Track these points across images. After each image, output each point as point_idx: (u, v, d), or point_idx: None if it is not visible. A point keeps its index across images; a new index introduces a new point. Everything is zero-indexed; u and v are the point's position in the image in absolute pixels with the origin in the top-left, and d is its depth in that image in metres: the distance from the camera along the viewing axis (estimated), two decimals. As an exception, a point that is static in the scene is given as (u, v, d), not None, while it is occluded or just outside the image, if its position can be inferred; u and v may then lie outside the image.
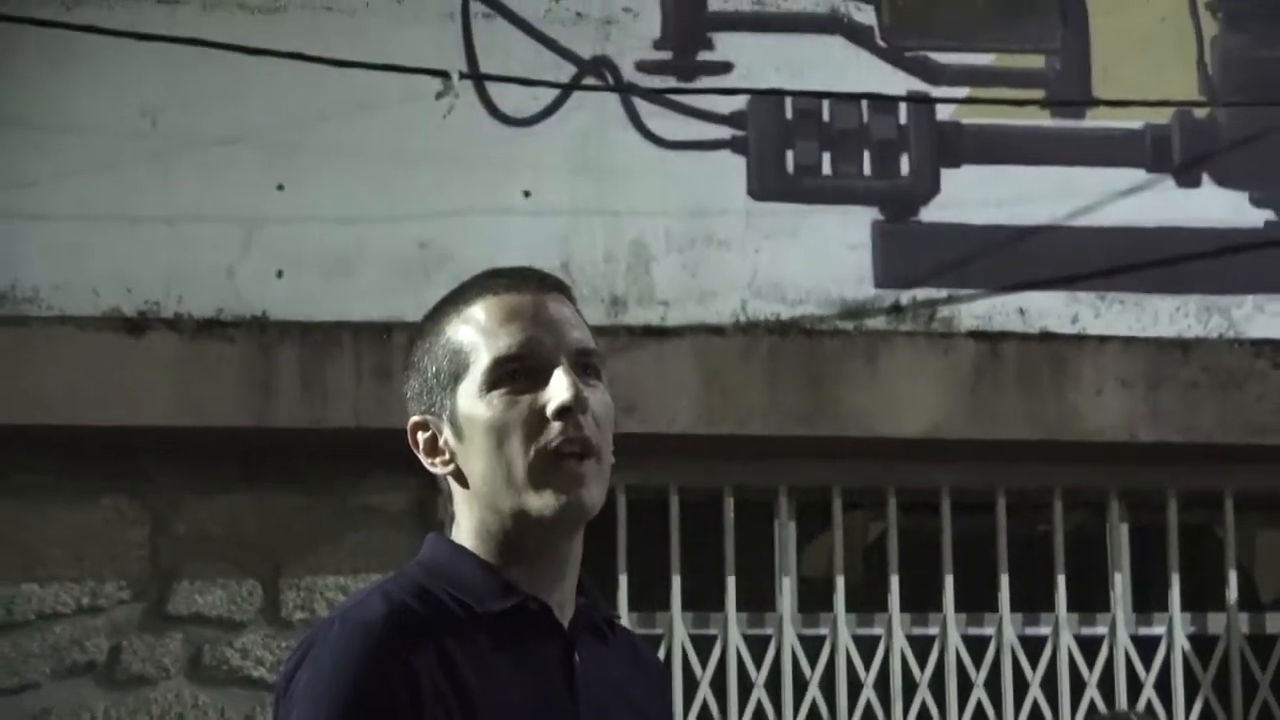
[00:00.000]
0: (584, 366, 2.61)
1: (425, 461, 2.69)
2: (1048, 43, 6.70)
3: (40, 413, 6.05)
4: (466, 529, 2.65)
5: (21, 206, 6.23)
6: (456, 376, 2.63)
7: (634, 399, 6.03)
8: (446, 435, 2.64)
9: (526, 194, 6.40)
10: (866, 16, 6.64)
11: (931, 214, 6.55)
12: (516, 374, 2.59)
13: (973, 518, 6.53)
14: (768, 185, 6.50)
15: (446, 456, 2.65)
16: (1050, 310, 6.50)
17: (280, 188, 6.31)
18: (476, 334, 2.63)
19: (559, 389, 2.58)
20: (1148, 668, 6.48)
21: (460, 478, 2.65)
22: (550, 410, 2.57)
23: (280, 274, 6.28)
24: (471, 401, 2.61)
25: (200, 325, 6.19)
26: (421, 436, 2.68)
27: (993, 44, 6.69)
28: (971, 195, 6.54)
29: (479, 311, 2.64)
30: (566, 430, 2.57)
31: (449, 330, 2.66)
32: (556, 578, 2.61)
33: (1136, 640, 6.52)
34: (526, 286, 2.65)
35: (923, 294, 6.49)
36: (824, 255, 6.48)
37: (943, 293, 6.50)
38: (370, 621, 2.47)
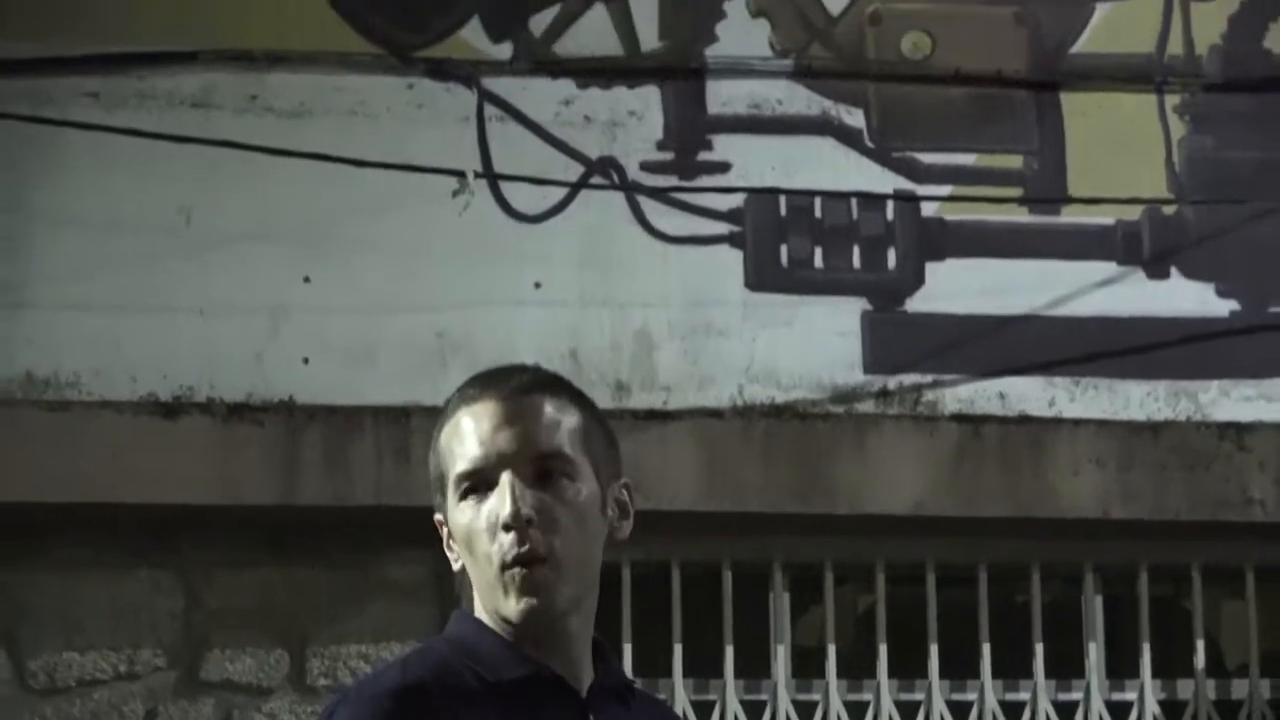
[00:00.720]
0: (545, 471, 2.64)
1: (448, 553, 2.75)
2: (1025, 144, 6.76)
3: (82, 491, 6.08)
4: (481, 610, 2.71)
5: (63, 297, 6.28)
6: (443, 482, 2.70)
7: (638, 478, 5.86)
8: (451, 537, 2.72)
9: (537, 285, 6.45)
10: (856, 120, 6.70)
11: (917, 304, 6.60)
12: (477, 486, 2.64)
13: (956, 590, 6.52)
14: (763, 277, 6.54)
15: (454, 552, 2.72)
16: (1028, 395, 6.52)
17: (306, 280, 6.38)
18: (453, 443, 2.68)
19: (499, 504, 2.62)
20: (1122, 731, 6.56)
21: (467, 574, 2.72)
22: (498, 525, 2.62)
23: (306, 361, 6.32)
24: (453, 508, 2.68)
25: (231, 409, 6.24)
26: (442, 530, 2.74)
27: (974, 145, 6.76)
28: (954, 287, 6.60)
29: (455, 422, 2.69)
30: (515, 543, 2.62)
31: (440, 437, 2.71)
32: (566, 652, 2.65)
33: (1110, 705, 6.50)
34: (499, 393, 2.68)
35: (909, 379, 6.50)
36: (816, 343, 6.52)
37: (928, 378, 6.53)
38: (380, 694, 2.52)
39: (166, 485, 6.12)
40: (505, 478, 2.61)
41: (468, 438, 2.64)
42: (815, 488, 6.36)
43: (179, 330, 6.30)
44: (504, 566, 2.60)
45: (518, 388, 2.65)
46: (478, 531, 2.62)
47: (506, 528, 2.59)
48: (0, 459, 6.09)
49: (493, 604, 2.64)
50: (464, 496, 2.63)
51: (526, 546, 2.59)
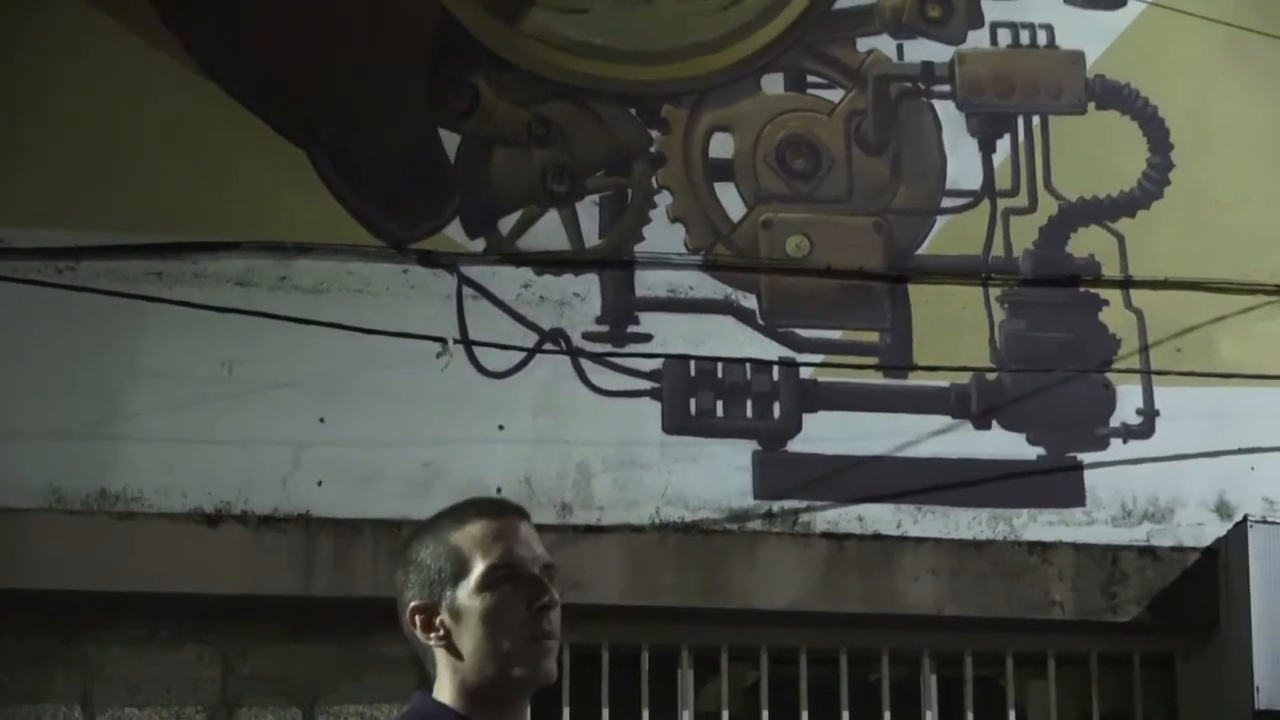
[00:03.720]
0: (550, 575, 2.75)
1: (420, 635, 2.75)
2: (880, 323, 6.78)
3: (142, 583, 6.19)
4: (447, 687, 2.72)
5: (130, 431, 6.38)
6: (456, 576, 2.71)
7: (577, 578, 6.10)
8: (444, 617, 2.72)
9: (501, 427, 6.52)
10: (750, 303, 6.74)
11: (796, 446, 6.65)
12: (506, 578, 2.70)
13: (823, 670, 6.53)
14: (677, 424, 6.61)
15: (441, 633, 2.72)
16: (881, 518, 6.58)
17: (322, 420, 6.46)
18: (473, 545, 2.72)
19: (543, 592, 2.72)
20: (952, 793, 6.44)
21: (451, 649, 2.72)
22: (536, 607, 2.70)
23: (320, 483, 6.41)
24: (469, 595, 2.70)
25: (261, 520, 6.33)
26: (419, 618, 2.74)
27: (841, 324, 6.78)
28: (825, 433, 6.65)
29: (474, 529, 2.73)
30: (543, 623, 2.71)
31: (451, 540, 2.74)
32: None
33: (944, 765, 6.48)
34: (506, 514, 2.78)
35: (789, 504, 6.58)
36: (717, 475, 6.58)
37: (804, 504, 6.58)
38: None
39: (209, 579, 6.20)
40: (538, 571, 2.74)
41: (496, 541, 2.71)
42: (715, 588, 6.41)
43: (221, 458, 6.36)
44: (544, 637, 2.71)
45: (520, 511, 2.80)
46: (510, 609, 2.69)
47: (545, 609, 2.71)
48: (79, 557, 6.14)
49: (497, 669, 2.69)
50: (487, 586, 2.69)
51: (555, 624, 2.73)
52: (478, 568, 2.69)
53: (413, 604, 2.74)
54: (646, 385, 6.66)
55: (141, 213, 6.58)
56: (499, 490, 6.40)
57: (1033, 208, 6.97)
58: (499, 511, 2.78)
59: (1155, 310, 6.89)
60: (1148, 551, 6.64)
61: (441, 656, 2.72)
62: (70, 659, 6.25)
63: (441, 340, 6.48)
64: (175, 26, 6.71)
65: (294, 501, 6.40)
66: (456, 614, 2.70)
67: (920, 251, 6.90)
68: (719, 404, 6.66)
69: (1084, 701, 6.68)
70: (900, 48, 7.00)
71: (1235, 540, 6.40)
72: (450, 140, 6.79)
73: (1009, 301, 6.87)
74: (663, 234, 6.80)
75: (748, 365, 6.70)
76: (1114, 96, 7.04)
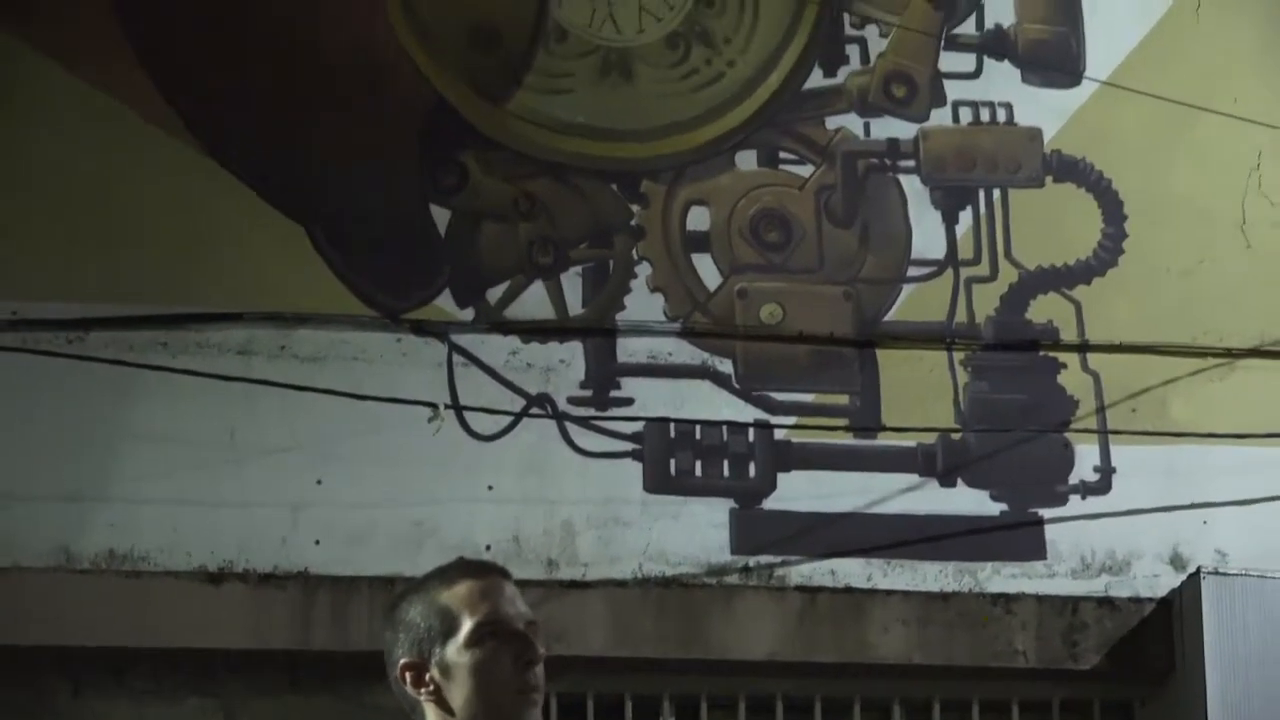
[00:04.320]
0: (534, 631, 2.80)
1: (411, 691, 2.78)
2: (850, 387, 6.80)
3: (149, 638, 6.24)
4: None
5: (136, 494, 6.41)
6: (446, 633, 2.75)
7: (562, 631, 6.12)
8: (434, 673, 2.75)
9: (490, 488, 6.55)
10: (727, 368, 6.77)
11: (771, 504, 6.68)
12: (492, 634, 2.74)
13: (799, 717, 6.53)
14: (657, 483, 6.64)
15: (432, 689, 2.75)
16: (853, 572, 6.60)
17: (319, 482, 6.49)
18: (461, 604, 2.75)
19: (529, 648, 2.77)
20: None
21: (441, 704, 2.75)
22: (522, 661, 2.74)
23: (318, 542, 6.44)
24: (458, 651, 2.74)
25: (261, 578, 6.36)
26: (410, 674, 2.77)
27: (813, 387, 6.80)
28: (799, 492, 6.68)
29: (462, 589, 2.77)
30: (529, 676, 2.76)
31: (440, 600, 2.77)
32: None
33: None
34: (491, 574, 2.83)
35: (765, 559, 6.60)
36: (696, 532, 6.61)
37: (779, 559, 6.61)
38: None
39: (212, 634, 6.24)
40: (523, 628, 2.78)
41: (483, 600, 2.76)
42: (695, 639, 6.45)
43: (223, 519, 6.39)
44: (530, 689, 2.76)
45: (503, 572, 2.85)
46: (498, 663, 2.73)
47: (531, 663, 2.76)
48: (89, 615, 6.19)
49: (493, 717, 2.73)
50: (476, 643, 2.73)
51: (541, 677, 2.77)
52: (466, 625, 2.73)
53: (403, 661, 2.78)
54: (628, 447, 6.69)
55: (146, 285, 6.63)
56: (488, 548, 6.47)
57: (994, 276, 7.01)
58: (484, 572, 2.82)
59: (1111, 373, 6.91)
60: (1106, 602, 6.65)
61: (432, 711, 2.77)
62: (79, 713, 6.26)
63: (433, 405, 6.52)
64: (176, 105, 6.77)
65: (293, 560, 6.43)
66: (446, 670, 2.74)
67: (888, 318, 6.94)
68: (698, 464, 6.70)
69: (1048, 747, 6.67)
70: (867, 125, 7.05)
71: (1189, 591, 6.45)
72: (440, 215, 6.82)
73: (972, 365, 6.90)
74: (643, 303, 6.84)
75: (725, 427, 6.73)
76: (1070, 170, 7.10)
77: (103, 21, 6.78)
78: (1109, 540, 6.77)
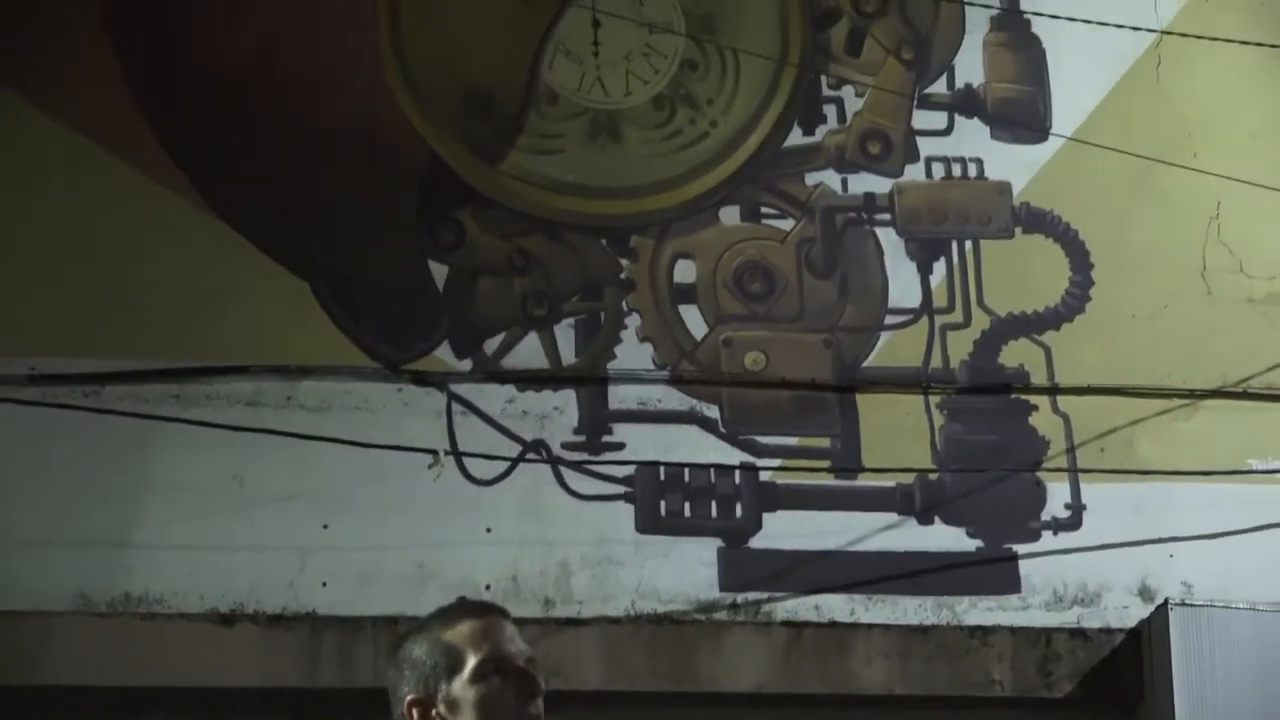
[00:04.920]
0: (534, 666, 2.82)
1: None
2: (831, 430, 6.82)
3: (164, 678, 6.29)
4: None
5: (152, 539, 6.46)
6: (451, 670, 2.76)
7: (558, 666, 6.13)
8: (440, 708, 2.76)
9: (489, 530, 6.58)
10: (713, 413, 6.80)
11: (757, 543, 6.70)
12: (495, 670, 2.76)
13: None
14: (648, 524, 6.66)
15: None
16: (836, 607, 6.61)
17: (325, 527, 6.53)
18: (465, 642, 2.77)
19: (530, 682, 2.78)
20: None
21: None
22: (524, 695, 2.76)
23: (325, 584, 6.48)
24: (463, 687, 2.75)
25: (271, 619, 6.41)
26: (416, 710, 2.77)
27: (796, 431, 6.81)
28: (783, 530, 6.70)
29: (464, 628, 2.78)
30: (531, 709, 2.77)
31: (444, 638, 2.78)
32: None
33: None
34: (491, 613, 2.84)
35: (751, 596, 6.61)
36: (686, 570, 6.63)
37: (765, 595, 6.61)
38: None
39: (224, 673, 6.30)
40: (524, 664, 2.80)
41: (485, 638, 2.78)
42: (685, 673, 6.48)
43: (234, 562, 6.44)
44: (534, 718, 2.77)
45: (502, 612, 2.87)
46: (501, 697, 2.75)
47: (532, 696, 2.78)
48: (107, 655, 6.25)
49: None
50: (480, 678, 2.75)
51: (542, 710, 2.80)
52: (470, 662, 2.74)
53: (410, 697, 2.79)
54: (620, 490, 6.73)
55: (159, 340, 6.67)
56: (488, 588, 6.53)
57: (967, 323, 7.06)
58: (484, 611, 2.84)
59: (1080, 414, 6.94)
60: (1078, 633, 6.68)
61: None
62: (97, 750, 6.30)
63: (433, 452, 6.58)
64: (184, 168, 6.84)
65: (301, 601, 6.49)
66: (452, 705, 2.74)
67: (866, 364, 6.97)
68: (686, 505, 6.74)
69: (1024, 772, 6.68)
70: (844, 181, 7.12)
71: (1158, 621, 6.48)
72: (439, 271, 6.88)
73: (947, 408, 6.94)
74: (633, 352, 6.87)
75: (712, 470, 6.77)
76: (1038, 222, 7.16)
77: (112, 88, 6.89)
78: (1080, 574, 6.79)
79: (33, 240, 6.76)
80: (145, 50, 6.95)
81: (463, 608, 2.85)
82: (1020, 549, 6.82)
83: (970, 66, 7.27)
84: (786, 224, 7.09)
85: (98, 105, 6.84)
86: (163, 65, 6.96)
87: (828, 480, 6.82)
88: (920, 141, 7.21)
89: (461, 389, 6.74)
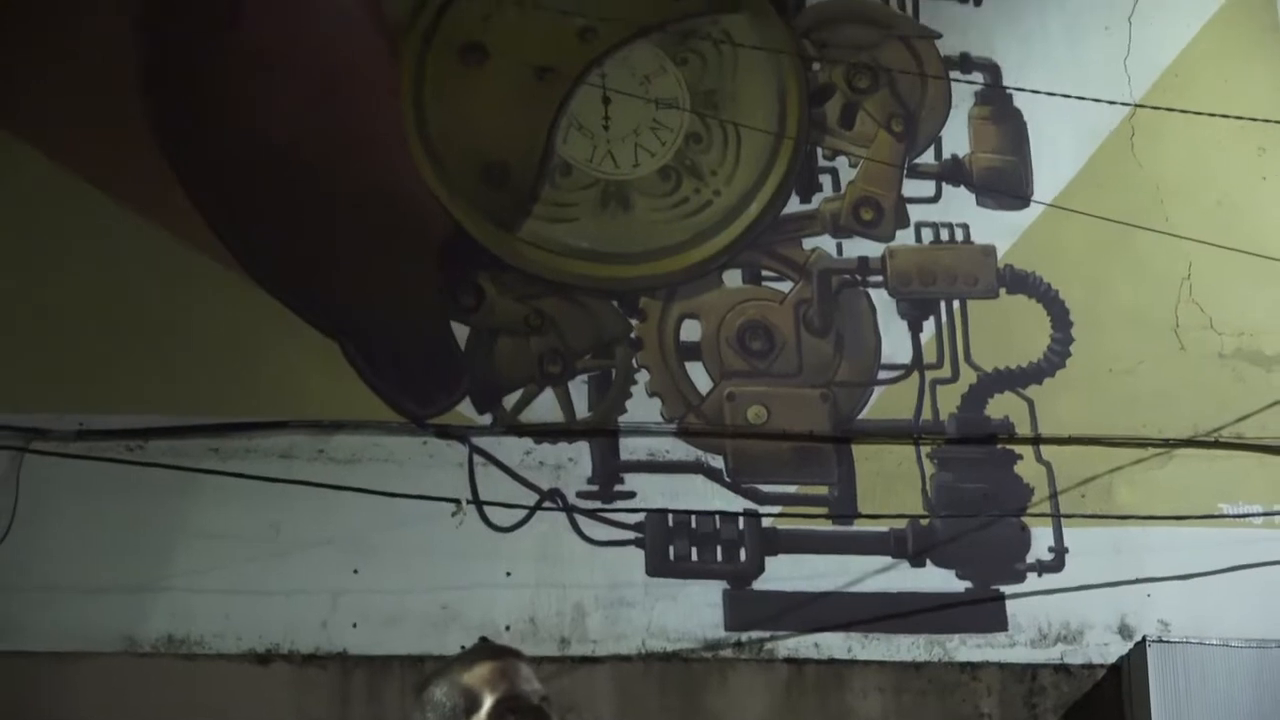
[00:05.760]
0: (548, 704, 2.82)
1: None
2: (829, 479, 6.81)
3: (203, 715, 6.27)
4: None
5: (193, 584, 6.45)
6: (469, 710, 2.76)
7: (574, 702, 6.20)
8: None
9: (508, 574, 6.57)
10: (718, 463, 6.79)
11: (760, 585, 6.68)
12: (511, 710, 2.76)
13: None
14: (658, 567, 6.65)
15: None
16: (834, 644, 6.60)
17: (355, 571, 6.52)
18: (482, 684, 2.77)
19: None
20: None
21: None
22: None
23: (355, 625, 6.47)
24: None
25: (305, 658, 6.41)
26: None
27: (795, 480, 6.78)
28: (784, 573, 6.68)
29: (482, 670, 2.79)
30: None
31: (463, 680, 2.79)
32: None
33: None
34: (506, 656, 2.85)
35: (755, 635, 6.59)
36: (693, 611, 6.60)
37: (767, 634, 6.60)
38: None
39: (260, 710, 6.28)
40: (538, 702, 2.82)
41: (501, 680, 2.79)
42: (693, 708, 6.46)
43: (270, 606, 6.43)
44: None
45: (518, 654, 2.88)
46: None
47: None
48: (151, 695, 6.26)
49: None
50: (502, 715, 2.77)
51: None
52: (488, 702, 2.75)
53: None
54: (631, 535, 6.74)
55: (198, 398, 6.69)
56: (507, 628, 6.53)
57: (955, 378, 7.05)
58: (500, 655, 2.85)
59: (1061, 463, 6.94)
60: (1062, 669, 6.68)
61: None
62: (142, 785, 6.31)
63: (456, 501, 6.61)
64: (222, 236, 6.89)
65: (333, 642, 6.49)
66: None
67: (861, 417, 6.96)
68: (693, 550, 6.74)
69: (1012, 800, 6.70)
70: (839, 245, 7.17)
71: (1136, 657, 6.47)
72: (460, 331, 6.91)
73: (938, 458, 6.94)
74: (642, 407, 6.88)
75: (717, 516, 6.77)
76: (1021, 283, 7.19)
77: (150, 153, 6.93)
78: (1063, 613, 6.78)
79: (79, 303, 6.79)
80: (184, 116, 6.98)
81: (481, 651, 2.87)
82: (1007, 589, 6.79)
83: (956, 138, 7.33)
84: (785, 286, 7.12)
85: (136, 171, 6.88)
86: (200, 131, 6.99)
87: (826, 526, 6.81)
88: (910, 208, 7.25)
89: (482, 442, 6.75)
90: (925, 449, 6.93)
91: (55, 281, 6.82)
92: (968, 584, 6.83)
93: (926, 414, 7.00)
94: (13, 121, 6.87)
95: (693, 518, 6.76)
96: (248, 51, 7.04)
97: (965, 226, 7.25)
